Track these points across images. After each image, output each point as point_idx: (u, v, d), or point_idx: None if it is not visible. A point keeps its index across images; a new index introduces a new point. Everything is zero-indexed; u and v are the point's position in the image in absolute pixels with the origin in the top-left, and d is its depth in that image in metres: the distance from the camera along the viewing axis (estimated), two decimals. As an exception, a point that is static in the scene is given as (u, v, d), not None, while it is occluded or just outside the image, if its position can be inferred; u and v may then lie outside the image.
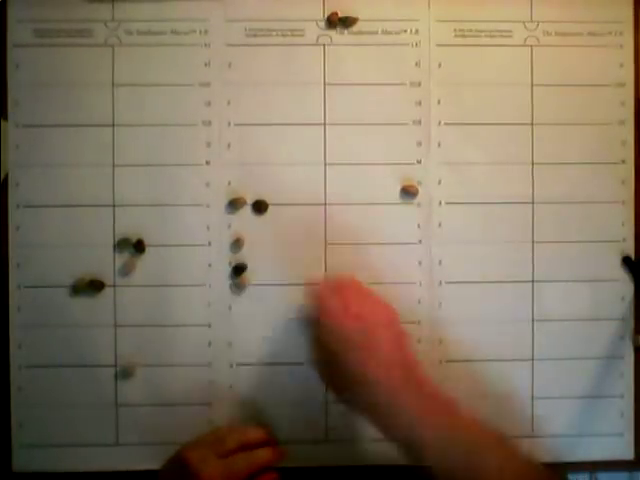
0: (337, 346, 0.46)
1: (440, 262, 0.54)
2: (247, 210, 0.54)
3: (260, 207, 0.54)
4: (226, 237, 0.54)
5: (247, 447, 0.49)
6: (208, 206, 0.54)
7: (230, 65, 0.54)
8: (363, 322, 0.46)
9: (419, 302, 0.54)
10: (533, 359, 0.54)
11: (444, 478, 0.43)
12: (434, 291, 0.54)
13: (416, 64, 0.54)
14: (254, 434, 0.51)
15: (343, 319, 0.46)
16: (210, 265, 0.54)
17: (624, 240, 0.55)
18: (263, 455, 0.50)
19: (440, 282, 0.54)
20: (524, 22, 0.54)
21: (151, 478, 0.53)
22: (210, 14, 0.54)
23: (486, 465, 0.43)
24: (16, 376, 0.53)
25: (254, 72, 0.54)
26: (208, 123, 0.54)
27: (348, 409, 0.49)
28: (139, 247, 0.53)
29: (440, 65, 0.54)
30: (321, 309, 0.47)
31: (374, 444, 0.54)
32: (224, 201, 0.54)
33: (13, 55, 0.53)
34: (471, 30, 0.54)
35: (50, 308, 0.53)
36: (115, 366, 0.53)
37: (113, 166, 0.53)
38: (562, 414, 0.54)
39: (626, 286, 0.55)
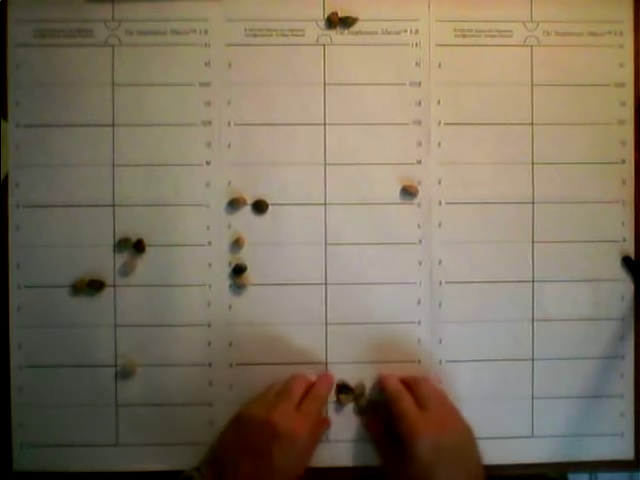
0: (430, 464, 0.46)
1: (440, 262, 0.54)
2: (247, 210, 0.54)
3: (260, 207, 0.54)
4: (226, 237, 0.54)
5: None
6: (208, 206, 0.54)
7: (230, 65, 0.54)
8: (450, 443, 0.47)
9: (419, 302, 0.54)
10: (533, 359, 0.54)
11: None
12: (434, 291, 0.54)
13: (416, 64, 0.54)
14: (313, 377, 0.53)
15: (437, 430, 0.47)
16: (210, 265, 0.54)
17: (624, 240, 0.55)
18: (323, 388, 0.52)
19: (440, 282, 0.54)
20: (524, 22, 0.54)
21: (151, 478, 0.53)
22: (210, 14, 0.54)
23: None
24: (16, 376, 0.53)
25: (254, 72, 0.54)
26: (208, 123, 0.54)
27: None
28: (139, 247, 0.53)
29: (440, 65, 0.54)
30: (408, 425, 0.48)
31: (374, 444, 0.54)
32: (224, 201, 0.54)
33: (13, 55, 0.53)
34: (471, 30, 0.54)
35: (50, 308, 0.53)
36: (115, 366, 0.53)
37: (113, 166, 0.53)
38: (562, 414, 0.54)
39: (626, 286, 0.55)
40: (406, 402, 0.49)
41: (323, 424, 0.53)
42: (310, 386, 0.52)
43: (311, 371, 0.53)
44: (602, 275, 0.55)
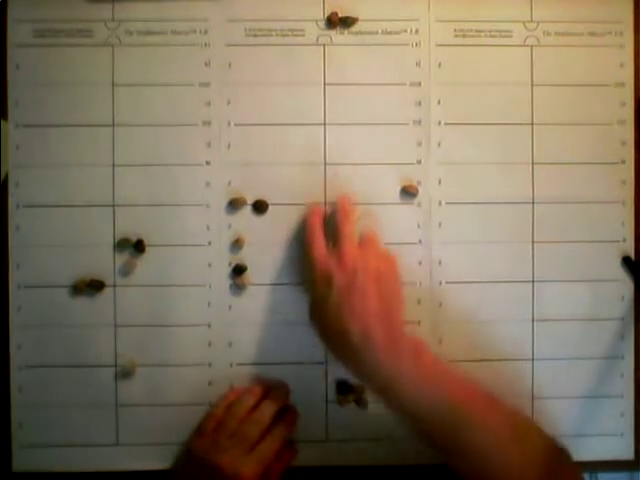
0: (325, 294, 0.47)
1: (440, 262, 0.54)
2: (247, 210, 0.54)
3: (260, 207, 0.54)
4: (226, 237, 0.54)
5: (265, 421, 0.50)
6: (208, 206, 0.54)
7: (230, 65, 0.54)
8: (352, 273, 0.47)
9: (419, 302, 0.54)
10: (533, 359, 0.54)
11: (424, 433, 0.46)
12: (434, 291, 0.54)
13: (416, 64, 0.54)
14: (256, 394, 0.52)
15: (334, 268, 0.48)
16: (210, 265, 0.54)
17: (624, 240, 0.55)
18: (282, 431, 0.51)
19: (440, 282, 0.54)
20: (524, 22, 0.54)
21: (151, 478, 0.53)
22: (210, 14, 0.54)
23: (471, 420, 0.45)
24: (16, 376, 0.53)
25: (254, 72, 0.54)
26: (208, 123, 0.54)
27: (340, 364, 0.49)
28: (139, 247, 0.53)
29: (440, 65, 0.54)
30: (316, 259, 0.49)
31: (374, 444, 0.54)
32: (224, 201, 0.54)
33: (13, 55, 0.53)
34: (471, 30, 0.54)
35: (50, 308, 0.53)
36: (115, 366, 0.53)
37: (113, 166, 0.53)
38: (562, 414, 0.54)
39: (626, 286, 0.55)
40: (318, 242, 0.50)
41: (284, 458, 0.52)
42: (269, 426, 0.50)
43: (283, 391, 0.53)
44: (602, 275, 0.55)
